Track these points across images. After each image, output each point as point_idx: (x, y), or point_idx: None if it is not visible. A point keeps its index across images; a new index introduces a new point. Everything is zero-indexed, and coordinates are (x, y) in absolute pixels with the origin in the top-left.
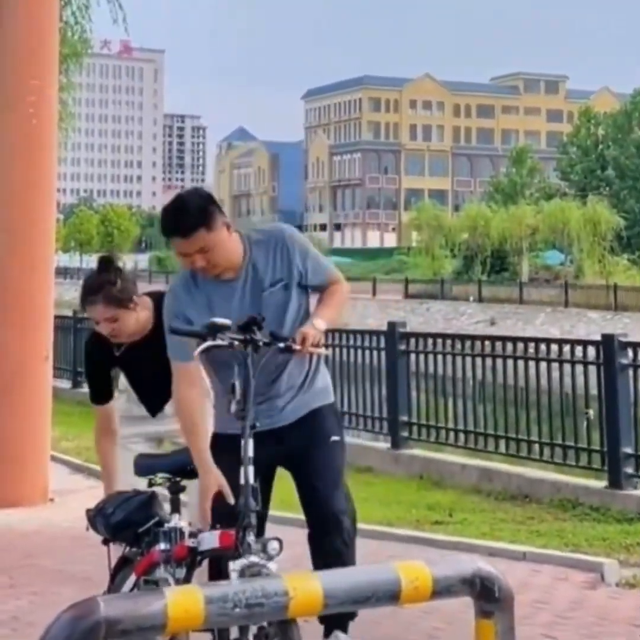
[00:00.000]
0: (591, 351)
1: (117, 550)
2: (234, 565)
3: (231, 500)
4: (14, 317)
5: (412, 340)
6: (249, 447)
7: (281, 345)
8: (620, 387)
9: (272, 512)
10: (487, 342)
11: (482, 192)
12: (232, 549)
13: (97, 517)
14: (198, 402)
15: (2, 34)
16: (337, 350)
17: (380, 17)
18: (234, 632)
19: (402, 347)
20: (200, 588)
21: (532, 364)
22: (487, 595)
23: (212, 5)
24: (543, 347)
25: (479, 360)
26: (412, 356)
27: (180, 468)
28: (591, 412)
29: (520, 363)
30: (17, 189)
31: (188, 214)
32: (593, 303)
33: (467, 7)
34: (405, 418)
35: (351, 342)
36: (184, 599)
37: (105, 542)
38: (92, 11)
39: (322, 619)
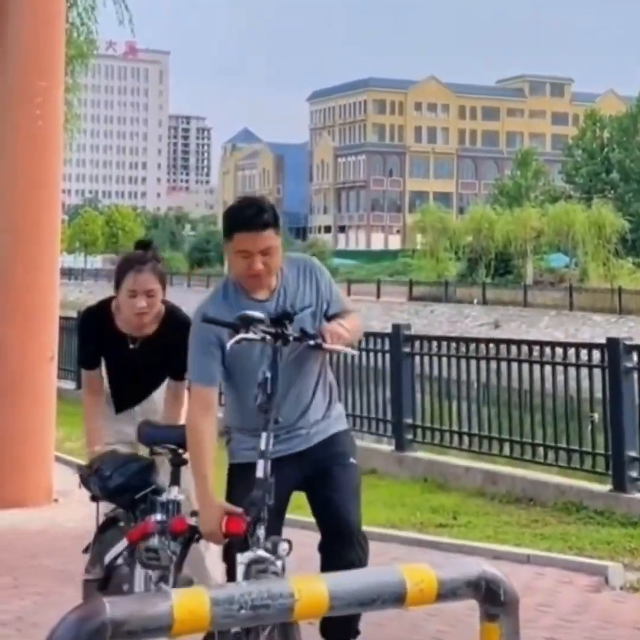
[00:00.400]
0: (596, 354)
1: (105, 508)
2: (241, 558)
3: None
4: (19, 317)
5: (417, 343)
6: (269, 442)
7: (311, 342)
8: (624, 391)
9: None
10: (491, 345)
11: (487, 195)
12: (240, 536)
13: (93, 477)
14: (210, 432)
15: (8, 36)
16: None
17: (385, 18)
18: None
19: (407, 349)
20: (206, 590)
21: (536, 367)
22: (493, 599)
23: (217, 6)
24: (547, 350)
25: (483, 363)
26: (417, 358)
27: (186, 442)
28: (596, 416)
29: (525, 366)
30: (22, 190)
31: (264, 209)
32: (598, 306)
33: (469, 8)
34: (409, 420)
35: (355, 343)
36: (190, 601)
37: (94, 499)
38: (98, 12)
39: (325, 634)
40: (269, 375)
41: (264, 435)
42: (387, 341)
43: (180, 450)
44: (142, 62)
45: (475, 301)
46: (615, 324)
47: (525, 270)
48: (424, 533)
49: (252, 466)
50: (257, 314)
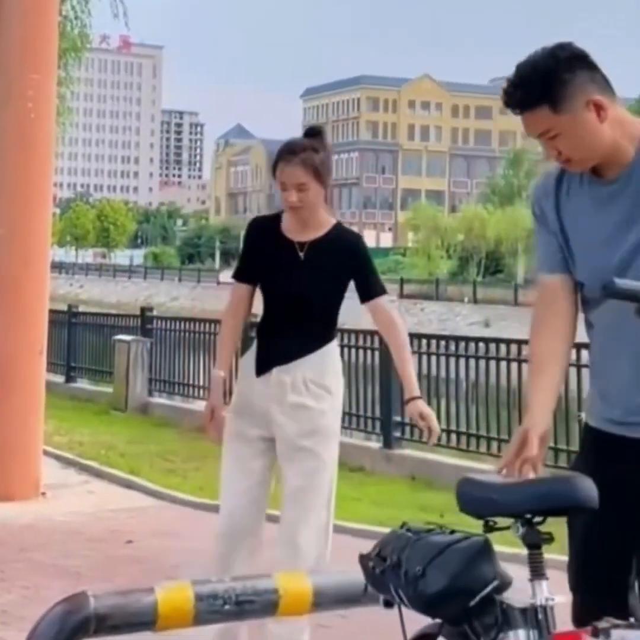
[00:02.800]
0: (585, 354)
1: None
2: None
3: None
4: (8, 311)
5: None
6: None
7: None
8: None
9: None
10: (481, 344)
11: (479, 194)
12: None
13: (389, 573)
14: (557, 335)
15: (1, 28)
16: None
17: (379, 15)
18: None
19: None
20: (191, 585)
21: (525, 366)
22: None
23: (211, 2)
24: None
25: (472, 362)
26: None
27: (548, 505)
28: (583, 415)
29: (514, 365)
30: (13, 183)
31: (529, 82)
32: None
33: (463, 6)
34: (397, 418)
35: (345, 341)
36: (174, 596)
37: (389, 604)
38: (91, 6)
39: None
40: None
41: None
42: (376, 338)
43: (537, 519)
44: (135, 57)
45: (465, 299)
46: None
47: (516, 269)
48: None
49: (607, 438)
50: None
